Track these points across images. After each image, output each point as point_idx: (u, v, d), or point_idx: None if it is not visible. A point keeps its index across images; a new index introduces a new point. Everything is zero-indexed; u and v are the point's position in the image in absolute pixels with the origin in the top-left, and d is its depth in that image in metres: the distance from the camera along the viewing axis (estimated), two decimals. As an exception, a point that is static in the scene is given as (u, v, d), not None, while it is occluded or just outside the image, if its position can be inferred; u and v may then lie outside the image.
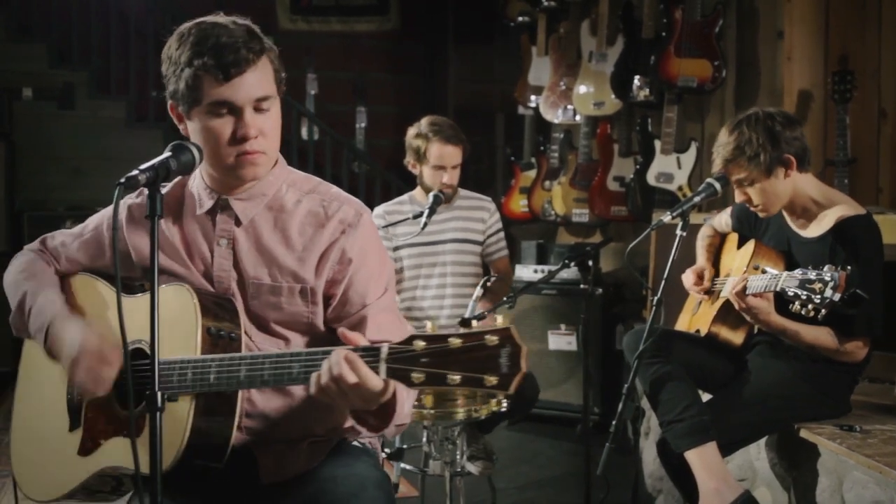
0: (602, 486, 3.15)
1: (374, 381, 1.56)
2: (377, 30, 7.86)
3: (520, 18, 6.11)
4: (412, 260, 3.82)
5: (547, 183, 5.89)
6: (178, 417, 1.71)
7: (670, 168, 4.83)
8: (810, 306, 2.52)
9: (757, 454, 3.12)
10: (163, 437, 1.66)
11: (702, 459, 2.73)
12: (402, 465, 3.53)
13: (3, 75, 6.46)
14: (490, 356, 1.43)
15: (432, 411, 2.89)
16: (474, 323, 1.54)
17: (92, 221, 2.07)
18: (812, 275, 2.52)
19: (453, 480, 3.16)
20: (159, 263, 1.86)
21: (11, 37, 6.76)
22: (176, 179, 2.00)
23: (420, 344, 1.48)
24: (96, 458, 1.87)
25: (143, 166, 1.61)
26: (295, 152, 6.85)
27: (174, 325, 1.78)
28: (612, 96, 5.17)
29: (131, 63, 6.92)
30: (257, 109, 1.82)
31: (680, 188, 4.80)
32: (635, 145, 5.24)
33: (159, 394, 1.50)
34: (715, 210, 3.91)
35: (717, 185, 2.91)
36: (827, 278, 2.48)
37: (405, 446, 3.61)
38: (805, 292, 2.52)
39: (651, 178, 4.89)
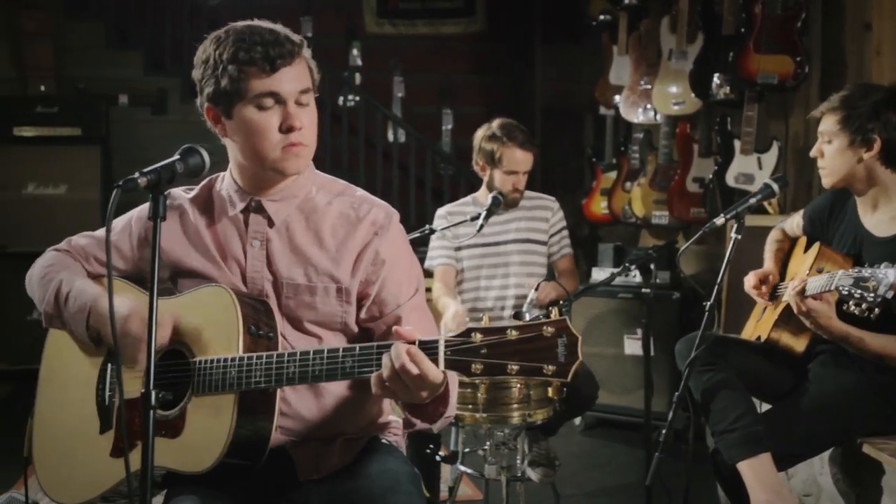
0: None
1: (435, 372, 1.60)
2: (463, 32, 7.86)
3: (601, 17, 5.98)
4: (472, 261, 3.80)
5: (628, 184, 5.76)
6: (222, 416, 1.73)
7: (751, 168, 4.65)
8: (864, 305, 2.41)
9: (820, 469, 2.97)
10: (206, 436, 1.71)
11: (754, 471, 2.62)
12: (462, 468, 3.51)
13: (102, 83, 6.71)
14: (548, 346, 1.51)
15: (485, 415, 2.87)
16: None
17: (120, 222, 2.06)
18: (867, 272, 2.40)
19: (511, 485, 3.12)
20: (191, 265, 1.92)
21: (111, 44, 7.05)
22: (203, 182, 2.04)
23: (478, 336, 1.55)
24: (131, 460, 1.83)
25: (145, 169, 1.64)
26: (379, 154, 6.90)
27: (216, 326, 1.80)
28: (693, 95, 5.02)
29: (221, 69, 7.08)
30: (298, 103, 1.86)
31: (761, 189, 4.62)
32: (716, 145, 5.07)
33: (154, 392, 1.53)
34: (788, 213, 3.75)
35: (775, 186, 2.80)
36: (881, 275, 2.36)
37: (467, 450, 3.59)
38: (859, 290, 2.39)
39: (730, 179, 4.71)
